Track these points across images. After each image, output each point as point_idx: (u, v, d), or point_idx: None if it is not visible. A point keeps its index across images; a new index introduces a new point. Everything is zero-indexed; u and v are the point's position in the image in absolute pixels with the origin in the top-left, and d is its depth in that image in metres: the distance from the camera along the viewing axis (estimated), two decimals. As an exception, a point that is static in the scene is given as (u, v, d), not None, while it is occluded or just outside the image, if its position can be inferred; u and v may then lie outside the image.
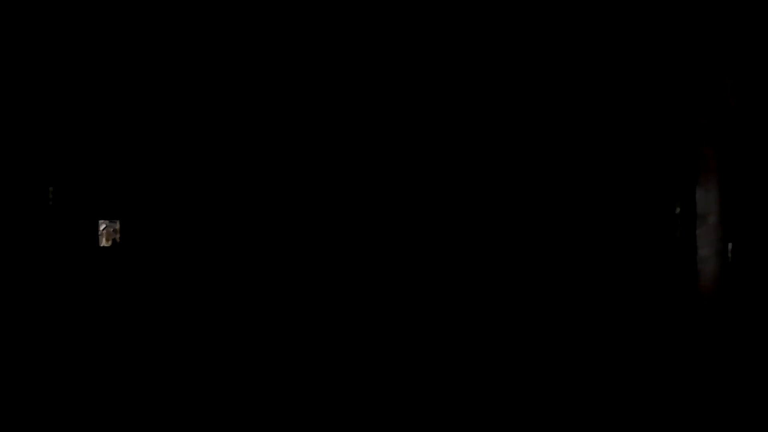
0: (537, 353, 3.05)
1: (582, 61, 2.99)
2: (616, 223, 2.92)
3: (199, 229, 3.14)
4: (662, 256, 2.85)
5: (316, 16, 3.12)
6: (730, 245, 3.02)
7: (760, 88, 2.92)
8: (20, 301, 3.08)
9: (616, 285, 2.97)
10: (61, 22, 3.14)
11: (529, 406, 2.85)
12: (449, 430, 2.68)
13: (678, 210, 2.79)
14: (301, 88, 3.15)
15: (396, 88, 3.11)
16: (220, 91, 3.17)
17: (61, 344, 3.10)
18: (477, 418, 2.81)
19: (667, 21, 2.87)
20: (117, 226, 3.11)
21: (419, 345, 3.13)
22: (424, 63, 3.11)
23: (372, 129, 3.13)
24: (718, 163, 2.82)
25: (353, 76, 3.13)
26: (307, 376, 3.06)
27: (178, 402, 2.95)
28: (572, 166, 2.99)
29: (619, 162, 2.92)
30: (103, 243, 3.06)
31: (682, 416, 2.79)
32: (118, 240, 3.12)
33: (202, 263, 3.13)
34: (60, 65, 3.17)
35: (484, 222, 3.11)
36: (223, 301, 3.13)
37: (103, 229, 3.08)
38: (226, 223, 3.17)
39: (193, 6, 3.13)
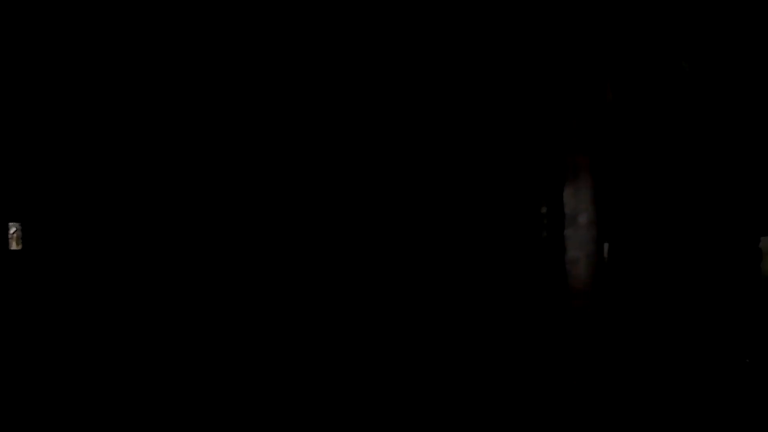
0: (399, 353, 2.83)
1: (445, 58, 2.83)
2: (474, 223, 2.74)
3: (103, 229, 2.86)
4: (527, 257, 2.70)
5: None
6: (606, 246, 2.93)
7: (635, 87, 2.86)
8: None
9: (477, 284, 2.79)
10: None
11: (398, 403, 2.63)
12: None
13: (544, 210, 2.63)
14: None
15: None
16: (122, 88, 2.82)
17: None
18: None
19: (543, 21, 2.75)
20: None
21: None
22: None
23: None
24: (590, 161, 2.71)
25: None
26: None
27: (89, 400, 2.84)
28: (422, 163, 2.80)
29: (478, 159, 2.76)
30: (14, 246, 2.78)
31: (554, 413, 2.64)
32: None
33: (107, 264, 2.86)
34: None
35: (345, 221, 2.87)
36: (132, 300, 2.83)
37: (13, 233, 2.81)
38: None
39: None
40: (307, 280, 2.95)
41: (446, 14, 2.74)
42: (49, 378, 2.99)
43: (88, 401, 2.93)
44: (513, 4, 2.63)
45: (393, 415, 2.74)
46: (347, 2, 2.75)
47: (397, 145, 2.83)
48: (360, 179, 2.84)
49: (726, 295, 2.92)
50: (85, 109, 3.03)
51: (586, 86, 2.66)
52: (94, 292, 3.03)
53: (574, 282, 2.72)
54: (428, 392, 2.83)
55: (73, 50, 2.95)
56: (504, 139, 2.73)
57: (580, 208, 2.71)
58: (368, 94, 2.81)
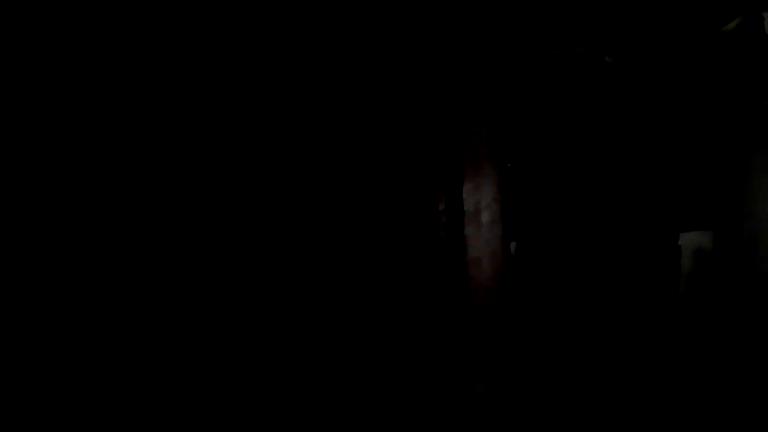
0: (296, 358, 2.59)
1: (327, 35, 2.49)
2: (358, 222, 2.46)
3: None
4: (422, 259, 2.44)
5: None
6: (513, 245, 2.69)
7: (543, 74, 2.59)
8: None
9: (364, 289, 2.54)
10: None
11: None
12: None
13: (442, 207, 2.36)
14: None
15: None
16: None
17: None
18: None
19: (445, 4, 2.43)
20: None
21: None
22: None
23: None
24: (493, 152, 2.45)
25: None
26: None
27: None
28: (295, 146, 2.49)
29: (361, 149, 2.46)
30: None
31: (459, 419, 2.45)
32: None
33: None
34: None
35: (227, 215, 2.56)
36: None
37: None
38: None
39: None
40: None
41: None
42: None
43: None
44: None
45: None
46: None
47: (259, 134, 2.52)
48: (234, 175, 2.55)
49: (643, 293, 2.73)
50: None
51: (487, 73, 2.38)
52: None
53: (475, 285, 2.48)
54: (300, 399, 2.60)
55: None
56: (394, 129, 2.44)
57: (483, 204, 2.45)
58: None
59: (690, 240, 2.87)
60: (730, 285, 2.89)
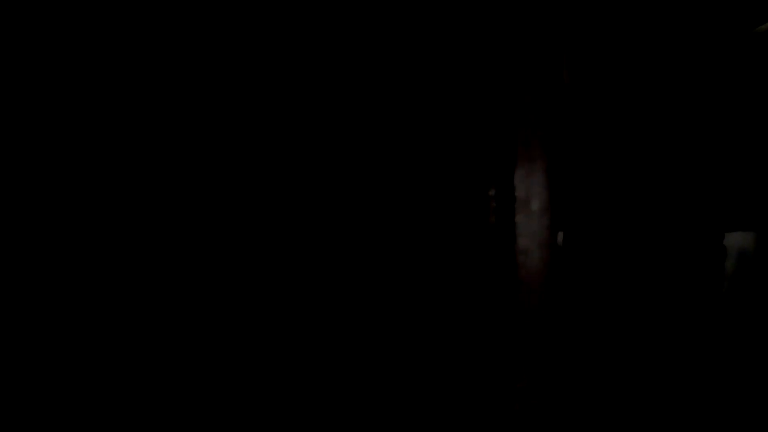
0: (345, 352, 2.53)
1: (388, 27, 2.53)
2: (416, 209, 2.44)
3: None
4: (474, 245, 2.41)
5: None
6: (560, 235, 2.67)
7: (595, 64, 2.62)
8: None
9: (419, 276, 2.49)
10: None
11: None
12: None
13: (493, 193, 2.34)
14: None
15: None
16: None
17: None
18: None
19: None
20: None
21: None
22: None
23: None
24: (544, 140, 2.44)
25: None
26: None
27: None
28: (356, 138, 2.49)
29: (421, 136, 2.45)
30: None
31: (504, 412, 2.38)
32: None
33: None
34: None
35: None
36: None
37: None
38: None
39: None
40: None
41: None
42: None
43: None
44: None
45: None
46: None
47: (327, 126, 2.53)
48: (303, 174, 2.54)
49: (687, 291, 2.69)
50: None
51: (540, 65, 2.40)
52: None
53: (524, 274, 2.44)
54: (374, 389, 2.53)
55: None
56: (450, 116, 2.44)
57: (533, 192, 2.44)
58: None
59: (733, 240, 2.85)
60: (771, 289, 2.86)
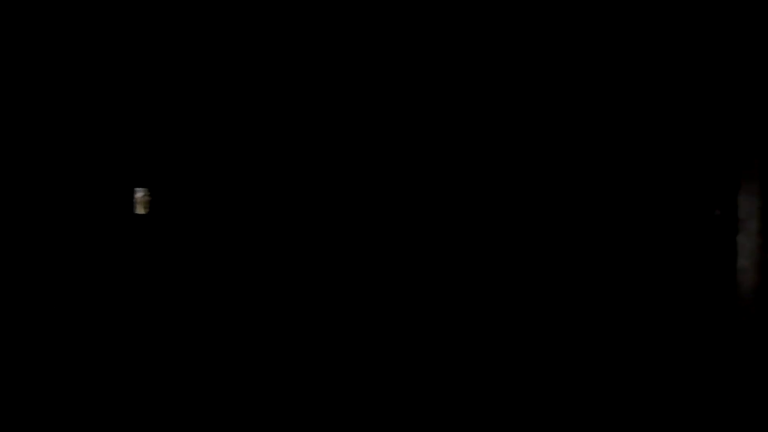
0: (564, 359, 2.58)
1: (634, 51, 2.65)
2: (640, 224, 2.52)
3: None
4: (696, 263, 2.49)
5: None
6: None
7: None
8: None
9: (642, 291, 2.56)
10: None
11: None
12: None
13: (718, 213, 2.44)
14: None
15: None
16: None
17: None
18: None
19: (726, 19, 2.60)
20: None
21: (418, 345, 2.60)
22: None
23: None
24: (762, 166, 2.54)
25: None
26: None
27: None
28: (586, 161, 2.59)
29: (655, 156, 2.56)
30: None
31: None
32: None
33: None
34: None
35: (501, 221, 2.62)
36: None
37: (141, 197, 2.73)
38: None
39: None
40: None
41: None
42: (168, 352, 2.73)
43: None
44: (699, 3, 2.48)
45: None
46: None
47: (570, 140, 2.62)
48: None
49: None
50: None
51: (764, 86, 2.51)
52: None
53: (742, 293, 2.52)
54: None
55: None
56: (683, 136, 2.55)
57: (752, 213, 2.53)
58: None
59: None
60: None
